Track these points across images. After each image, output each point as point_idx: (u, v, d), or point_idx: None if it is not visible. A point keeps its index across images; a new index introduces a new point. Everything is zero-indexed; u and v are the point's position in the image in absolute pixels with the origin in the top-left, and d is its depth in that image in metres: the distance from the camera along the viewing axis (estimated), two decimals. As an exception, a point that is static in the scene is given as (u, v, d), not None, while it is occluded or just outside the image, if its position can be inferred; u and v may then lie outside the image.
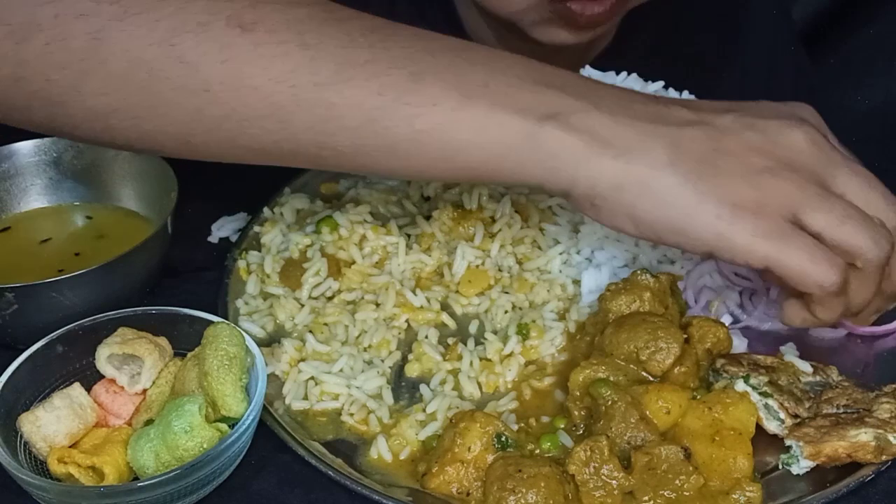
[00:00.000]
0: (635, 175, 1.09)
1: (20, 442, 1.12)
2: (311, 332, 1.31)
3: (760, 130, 1.13)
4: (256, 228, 1.47)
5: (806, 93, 1.83)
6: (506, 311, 1.35)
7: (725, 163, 1.10)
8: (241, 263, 1.42)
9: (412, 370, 1.29)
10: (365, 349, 1.30)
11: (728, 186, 1.09)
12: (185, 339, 1.21)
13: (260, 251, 1.44)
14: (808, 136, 1.14)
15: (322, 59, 1.08)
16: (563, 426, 1.19)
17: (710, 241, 1.09)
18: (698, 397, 1.18)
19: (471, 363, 1.28)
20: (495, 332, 1.33)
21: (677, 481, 1.10)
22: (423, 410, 1.22)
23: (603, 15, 1.50)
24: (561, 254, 1.41)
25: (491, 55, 1.15)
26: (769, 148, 1.12)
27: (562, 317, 1.34)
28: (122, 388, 1.17)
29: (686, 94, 1.47)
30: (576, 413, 1.19)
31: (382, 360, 1.29)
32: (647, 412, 1.15)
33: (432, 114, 1.08)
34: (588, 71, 1.49)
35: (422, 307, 1.35)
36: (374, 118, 1.08)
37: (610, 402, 1.15)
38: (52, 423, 1.12)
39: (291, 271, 1.38)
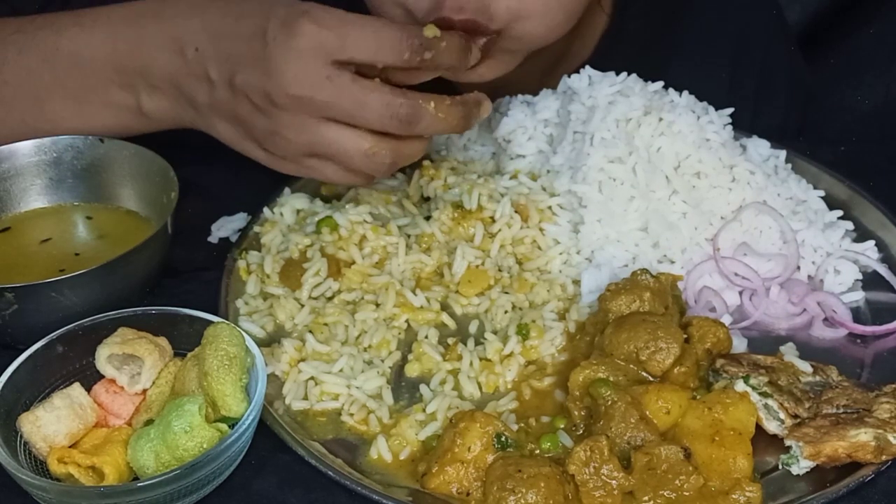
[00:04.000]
0: None
1: (20, 442, 1.13)
2: (311, 332, 1.31)
3: None
4: (256, 228, 1.47)
5: (802, 94, 1.83)
6: (506, 311, 1.35)
7: None
8: (241, 263, 1.42)
9: (412, 370, 1.29)
10: (365, 349, 1.30)
11: None
12: (185, 339, 1.21)
13: (260, 251, 1.44)
14: None
15: None
16: (563, 426, 1.19)
17: None
18: (698, 397, 1.18)
19: (471, 363, 1.28)
20: (495, 332, 1.33)
21: (677, 481, 1.10)
22: (423, 410, 1.22)
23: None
24: (561, 254, 1.41)
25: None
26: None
27: (562, 317, 1.34)
28: (122, 388, 1.17)
29: (685, 94, 1.47)
30: (576, 413, 1.19)
31: (382, 360, 1.29)
32: (647, 412, 1.15)
33: None
34: (588, 71, 1.49)
35: (422, 307, 1.35)
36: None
37: (610, 402, 1.15)
38: (52, 423, 1.12)
39: (291, 271, 1.38)
